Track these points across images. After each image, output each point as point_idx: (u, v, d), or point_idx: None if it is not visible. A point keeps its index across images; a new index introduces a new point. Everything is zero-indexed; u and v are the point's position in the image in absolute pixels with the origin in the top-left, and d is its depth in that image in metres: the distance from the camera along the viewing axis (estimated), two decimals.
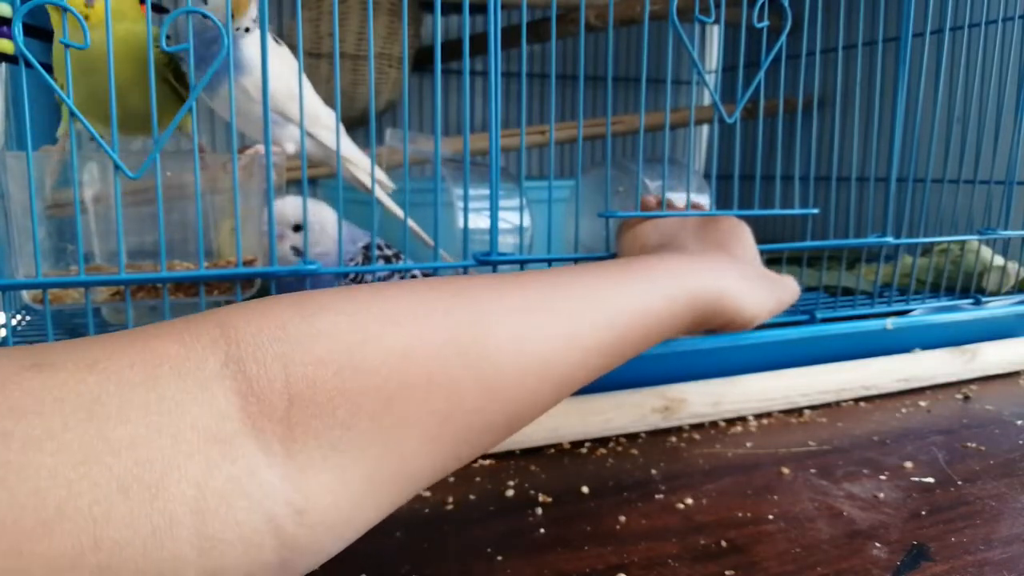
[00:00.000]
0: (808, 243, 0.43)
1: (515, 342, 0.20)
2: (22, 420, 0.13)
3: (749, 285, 0.29)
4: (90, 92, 0.33)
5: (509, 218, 0.46)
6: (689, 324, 0.26)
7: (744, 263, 0.31)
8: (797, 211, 0.42)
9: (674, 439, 0.37)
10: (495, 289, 0.21)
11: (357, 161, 0.42)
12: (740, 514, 0.29)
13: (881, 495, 0.30)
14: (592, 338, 0.22)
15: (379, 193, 0.43)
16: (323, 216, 0.40)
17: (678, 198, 0.39)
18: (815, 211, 0.42)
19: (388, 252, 0.42)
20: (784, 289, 0.32)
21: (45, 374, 0.14)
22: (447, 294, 0.20)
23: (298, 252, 0.40)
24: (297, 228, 0.40)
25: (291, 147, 0.40)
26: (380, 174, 0.44)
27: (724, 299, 0.27)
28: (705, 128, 0.92)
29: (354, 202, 0.48)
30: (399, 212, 0.41)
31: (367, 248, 0.42)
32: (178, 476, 0.14)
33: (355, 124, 0.77)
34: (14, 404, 0.14)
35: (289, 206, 0.39)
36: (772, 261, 0.64)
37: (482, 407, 0.19)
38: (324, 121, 0.40)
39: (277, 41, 0.38)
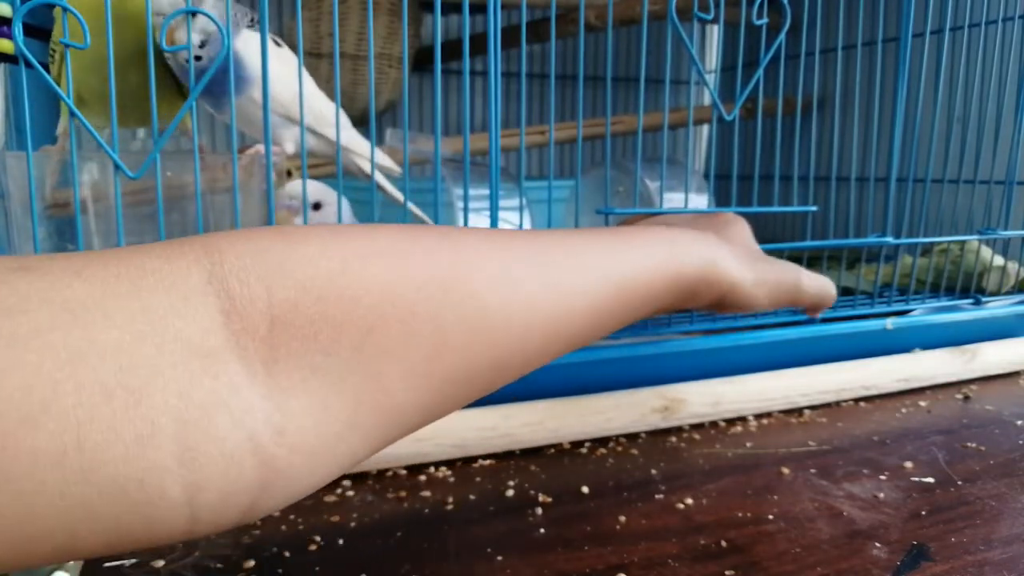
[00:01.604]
0: (808, 243, 0.43)
1: (500, 285, 0.20)
2: (7, 317, 0.13)
3: (742, 259, 0.28)
4: (94, 65, 0.32)
5: (509, 218, 0.46)
6: (680, 293, 0.26)
7: (743, 251, 0.30)
8: (796, 208, 0.42)
9: (674, 439, 0.37)
10: (480, 237, 0.21)
11: (364, 151, 0.42)
12: (740, 514, 0.29)
13: (881, 495, 0.30)
14: (580, 291, 0.22)
15: (380, 179, 0.43)
16: (334, 201, 0.40)
17: (678, 199, 0.39)
18: (814, 208, 0.42)
19: None
20: (792, 274, 0.31)
21: (32, 276, 0.14)
22: (431, 236, 0.20)
23: None
24: (316, 207, 0.40)
25: (291, 147, 0.40)
26: (386, 159, 0.44)
27: (715, 268, 0.26)
28: (705, 128, 0.92)
29: (356, 202, 0.48)
30: (399, 196, 0.41)
31: None
32: (162, 384, 0.14)
33: (355, 124, 0.77)
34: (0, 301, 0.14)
35: (307, 185, 0.39)
36: None
37: (467, 347, 0.19)
38: (330, 118, 0.40)
39: (277, 43, 0.38)
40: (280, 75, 0.36)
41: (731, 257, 0.27)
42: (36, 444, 0.13)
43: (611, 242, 0.24)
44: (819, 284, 0.32)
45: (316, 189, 0.41)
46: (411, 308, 0.18)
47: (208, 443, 0.15)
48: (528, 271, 0.21)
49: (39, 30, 0.36)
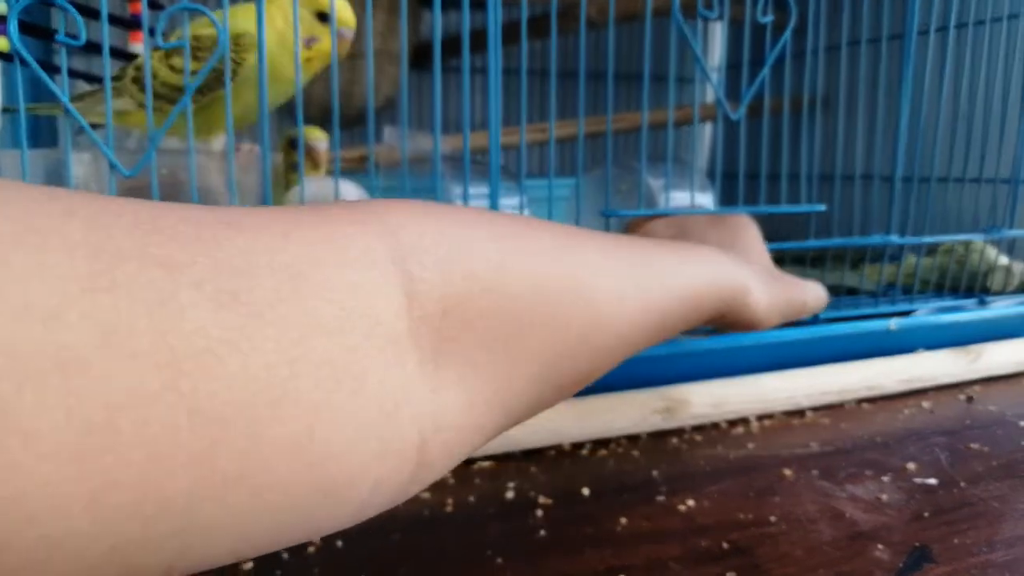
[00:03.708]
0: (812, 242, 0.43)
1: (612, 295, 0.20)
2: (241, 282, 0.12)
3: (763, 284, 0.29)
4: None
5: None
6: (712, 313, 0.26)
7: (755, 263, 0.30)
8: (803, 208, 0.41)
9: (675, 440, 0.37)
10: (587, 238, 0.21)
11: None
12: (742, 516, 0.28)
13: (884, 496, 0.30)
14: (657, 305, 0.22)
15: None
16: (348, 193, 0.39)
17: (682, 197, 0.39)
18: (821, 208, 0.42)
19: None
20: (799, 291, 0.31)
21: (245, 235, 0.13)
22: (560, 234, 0.19)
23: None
24: None
25: None
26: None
27: (746, 294, 0.27)
28: (708, 126, 0.92)
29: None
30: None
31: None
32: (372, 370, 0.13)
33: (353, 122, 0.77)
34: (231, 263, 0.12)
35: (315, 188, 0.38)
36: (775, 260, 0.63)
37: (580, 353, 0.19)
38: None
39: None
40: None
41: (756, 281, 0.28)
42: (277, 433, 0.11)
43: (677, 255, 0.24)
44: (819, 299, 0.33)
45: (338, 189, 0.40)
46: (553, 310, 0.18)
47: (396, 438, 0.14)
48: (628, 281, 0.21)
49: (35, 28, 0.36)
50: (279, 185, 0.43)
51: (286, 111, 0.40)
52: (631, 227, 0.37)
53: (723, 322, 0.28)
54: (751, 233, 0.32)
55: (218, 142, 0.40)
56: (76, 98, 0.35)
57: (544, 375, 0.18)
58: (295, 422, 0.12)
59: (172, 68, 0.35)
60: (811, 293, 0.32)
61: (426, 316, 0.15)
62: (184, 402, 0.11)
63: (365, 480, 0.13)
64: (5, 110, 0.34)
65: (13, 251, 0.10)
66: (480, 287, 0.16)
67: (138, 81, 0.36)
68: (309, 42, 0.36)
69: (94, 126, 0.29)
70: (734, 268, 0.27)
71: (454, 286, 0.15)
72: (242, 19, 0.36)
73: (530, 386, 0.18)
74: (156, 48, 0.35)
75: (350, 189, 0.40)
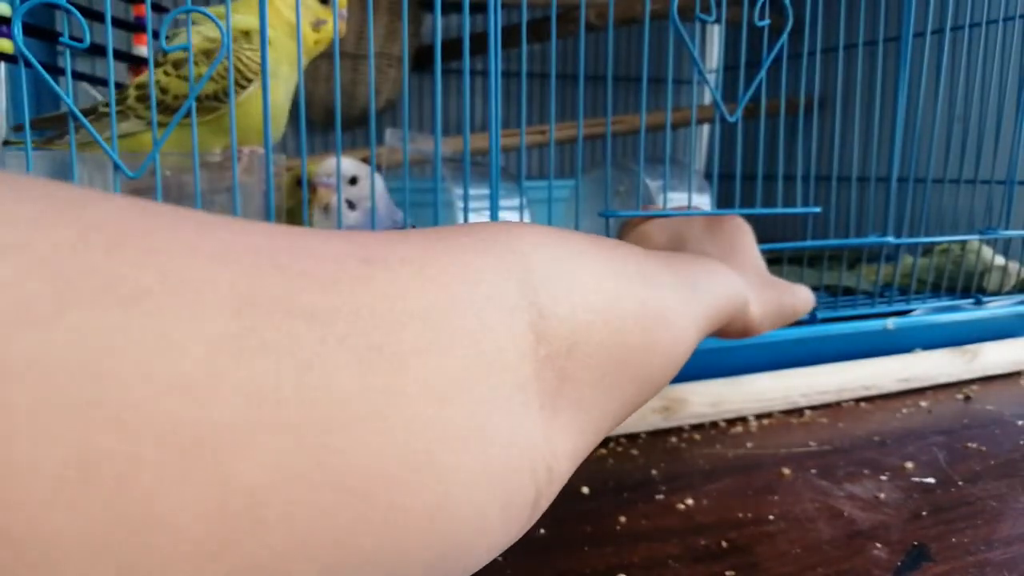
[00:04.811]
0: (809, 243, 0.43)
1: (681, 320, 0.19)
2: (385, 334, 0.11)
3: (758, 293, 0.29)
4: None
5: (509, 218, 0.46)
6: (720, 327, 0.26)
7: (750, 270, 0.31)
8: (800, 210, 0.41)
9: (674, 439, 0.37)
10: (649, 257, 0.20)
11: None
12: (741, 515, 0.28)
13: (882, 495, 0.30)
14: (703, 323, 0.21)
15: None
16: (368, 175, 0.41)
17: (679, 198, 0.39)
18: (817, 210, 0.42)
19: None
20: (790, 295, 0.32)
21: (381, 274, 0.12)
22: (635, 255, 0.18)
23: (351, 205, 0.41)
24: (353, 181, 0.41)
25: None
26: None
27: (746, 307, 0.27)
28: (705, 128, 0.92)
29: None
30: None
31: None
32: (497, 427, 0.12)
33: (355, 124, 0.77)
34: (373, 310, 0.11)
35: (344, 162, 0.40)
36: (772, 261, 0.64)
37: (660, 381, 0.18)
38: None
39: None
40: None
41: (752, 292, 0.28)
42: (415, 504, 0.11)
43: (709, 275, 0.24)
44: (807, 303, 0.33)
45: (351, 165, 0.42)
46: (650, 339, 0.17)
47: (517, 494, 0.13)
48: (689, 303, 0.20)
49: (39, 30, 0.36)
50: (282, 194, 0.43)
51: (292, 115, 0.40)
52: (626, 227, 0.37)
53: (720, 333, 0.28)
54: (746, 238, 0.33)
55: (215, 156, 0.40)
56: (83, 112, 0.36)
57: (632, 404, 0.17)
58: (432, 490, 0.11)
59: (183, 78, 0.35)
60: (800, 296, 0.32)
61: (552, 355, 0.14)
62: (330, 478, 0.10)
63: (481, 544, 0.12)
64: (6, 143, 0.34)
65: (173, 315, 0.09)
66: (600, 319, 0.15)
67: (143, 99, 0.35)
68: (317, 24, 0.39)
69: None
70: (741, 283, 0.27)
71: (583, 321, 0.14)
72: (249, 17, 0.37)
73: (620, 414, 0.17)
74: (164, 59, 0.35)
75: (353, 167, 0.42)
